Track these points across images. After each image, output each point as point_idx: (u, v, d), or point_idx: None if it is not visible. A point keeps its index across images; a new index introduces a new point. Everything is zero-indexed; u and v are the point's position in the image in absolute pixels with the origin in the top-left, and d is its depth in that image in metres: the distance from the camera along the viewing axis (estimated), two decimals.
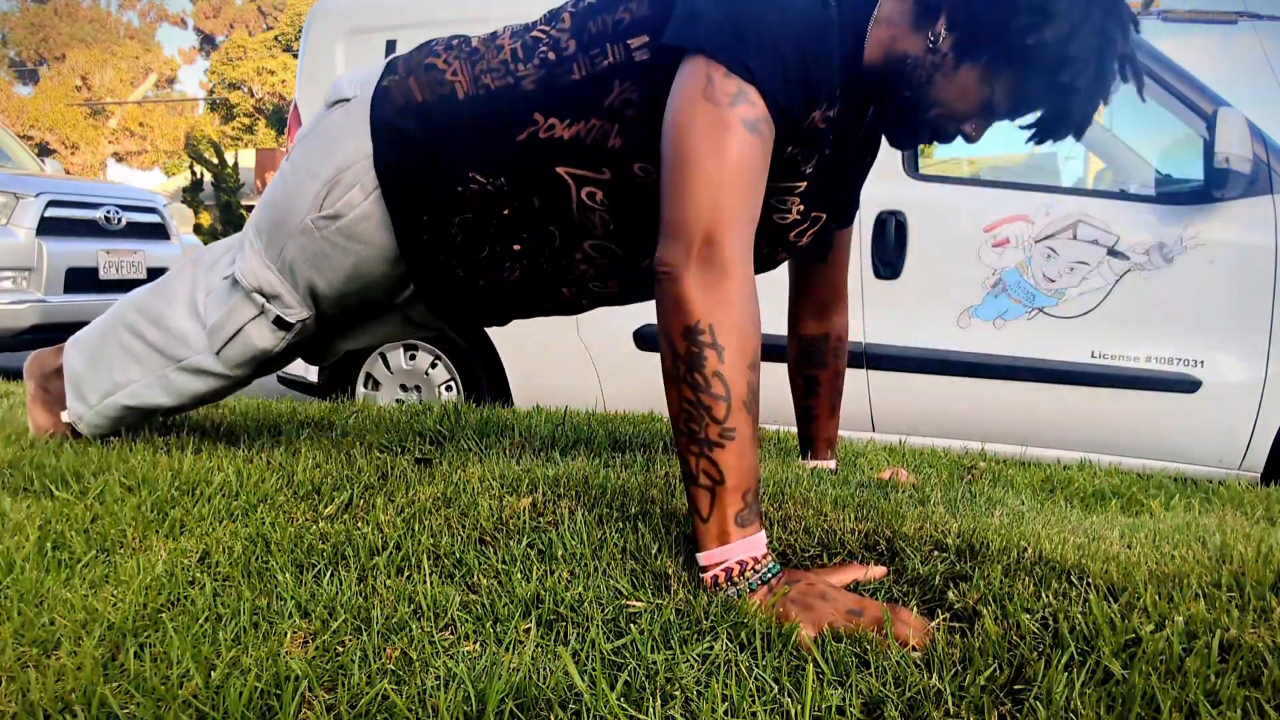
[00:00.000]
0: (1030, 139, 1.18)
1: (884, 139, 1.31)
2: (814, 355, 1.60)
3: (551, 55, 1.24)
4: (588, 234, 1.31)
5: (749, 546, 0.94)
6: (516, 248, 1.36)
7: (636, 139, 1.19)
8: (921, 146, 2.57)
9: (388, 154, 1.32)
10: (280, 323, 1.47)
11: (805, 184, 1.21)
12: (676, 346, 0.96)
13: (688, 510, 1.02)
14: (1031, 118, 1.15)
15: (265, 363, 1.58)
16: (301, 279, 1.43)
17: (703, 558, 0.95)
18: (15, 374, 3.70)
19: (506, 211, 1.31)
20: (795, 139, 1.13)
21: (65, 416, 1.65)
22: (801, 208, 1.26)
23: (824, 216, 1.33)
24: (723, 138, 1.00)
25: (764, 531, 0.97)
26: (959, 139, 1.20)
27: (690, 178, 0.99)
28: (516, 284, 1.42)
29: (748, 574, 0.92)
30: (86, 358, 1.61)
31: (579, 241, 1.33)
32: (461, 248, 1.37)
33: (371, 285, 1.45)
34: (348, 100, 1.38)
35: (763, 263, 1.34)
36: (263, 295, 1.45)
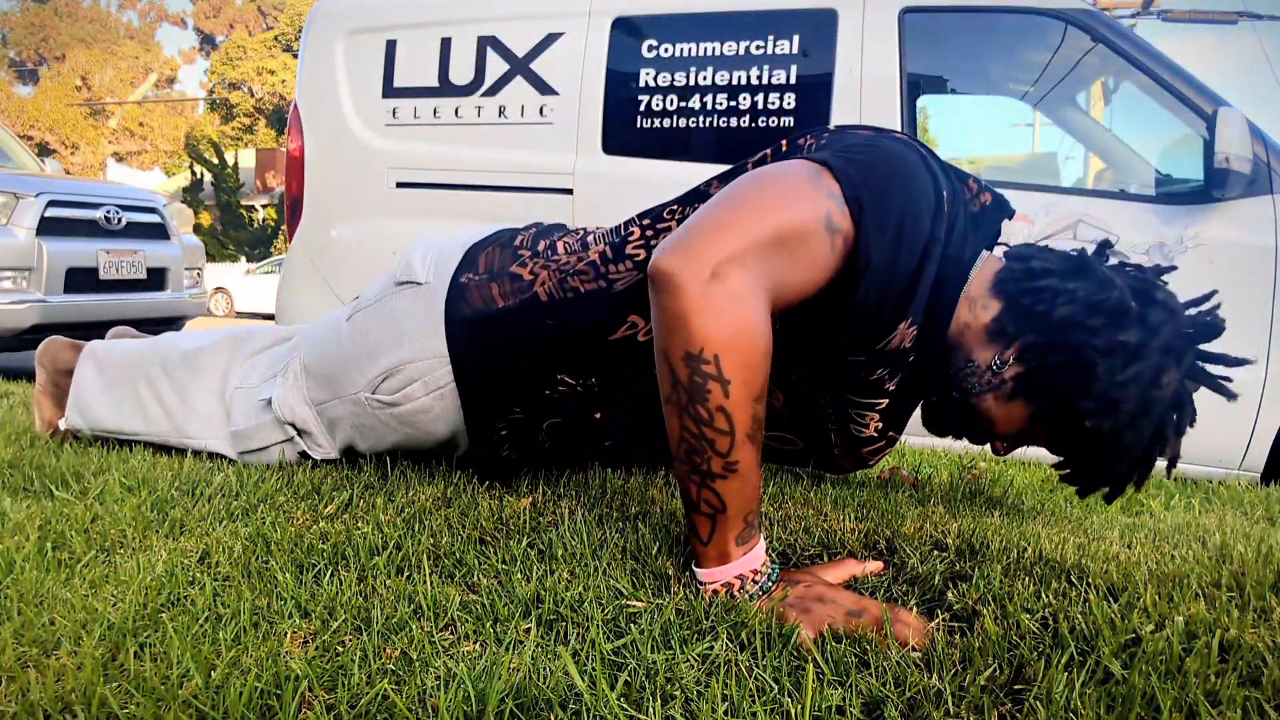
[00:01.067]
0: (1059, 478, 1.16)
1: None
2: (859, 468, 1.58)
3: (642, 255, 1.17)
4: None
5: (748, 562, 0.93)
6: (608, 444, 1.32)
7: None
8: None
9: (466, 360, 1.26)
10: (305, 455, 1.46)
11: (887, 401, 1.15)
12: (677, 372, 0.87)
13: (686, 531, 1.01)
14: (1068, 466, 1.13)
15: None
16: (341, 436, 1.41)
17: (702, 574, 0.94)
18: (15, 374, 3.70)
19: (598, 415, 1.26)
20: (883, 360, 1.06)
21: (63, 424, 1.66)
22: (879, 425, 1.19)
23: (899, 437, 1.26)
24: (800, 203, 0.93)
25: (763, 539, 0.96)
26: (986, 444, 1.17)
27: (748, 200, 0.92)
28: (603, 461, 1.41)
29: (748, 586, 0.92)
30: (102, 387, 1.61)
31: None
32: (549, 453, 1.34)
33: (415, 452, 1.42)
34: (419, 284, 1.31)
35: (832, 466, 1.28)
36: (295, 429, 1.43)
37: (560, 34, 2.97)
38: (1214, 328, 1.06)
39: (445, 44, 3.10)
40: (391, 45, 3.16)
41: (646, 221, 1.21)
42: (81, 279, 4.33)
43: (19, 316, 4.07)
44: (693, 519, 0.93)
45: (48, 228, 4.22)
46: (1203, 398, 1.09)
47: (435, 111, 3.11)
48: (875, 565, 1.03)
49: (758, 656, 0.80)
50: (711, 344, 0.85)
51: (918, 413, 1.22)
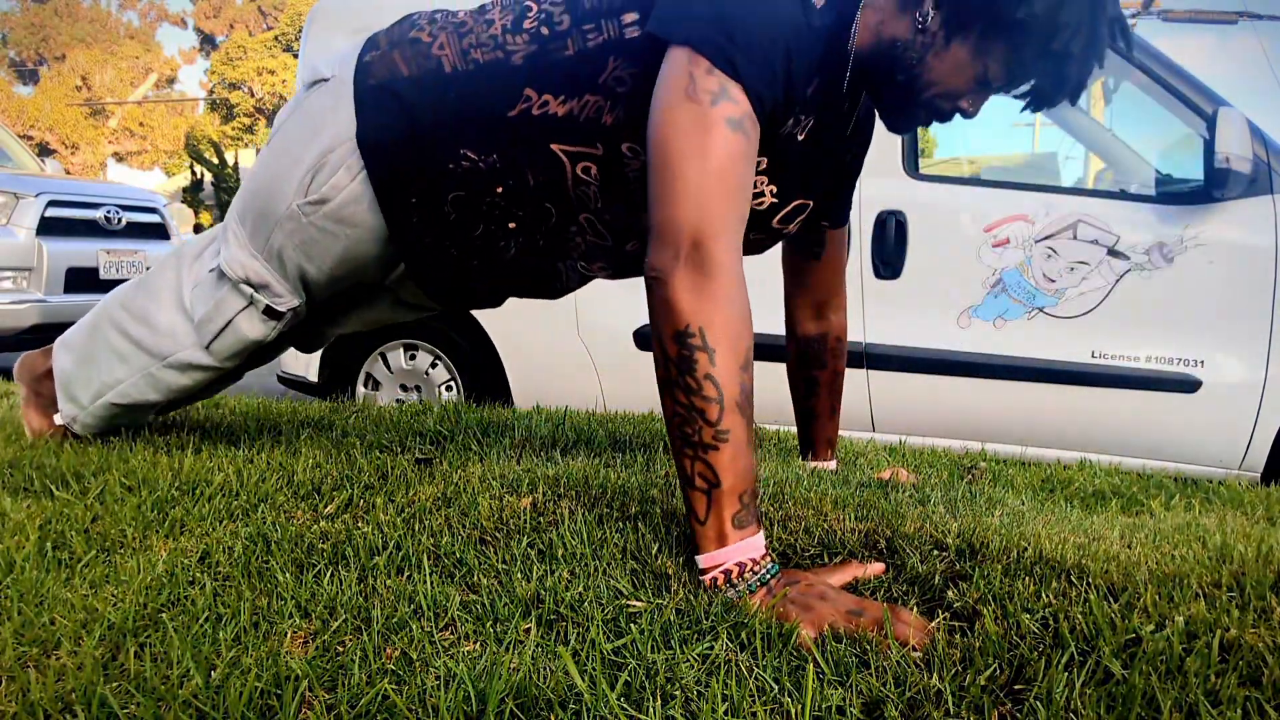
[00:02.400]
0: (1026, 107, 1.18)
1: (878, 130, 1.32)
2: (812, 356, 1.60)
3: (545, 30, 1.22)
4: (583, 208, 1.30)
5: (747, 548, 0.94)
6: (512, 225, 1.34)
7: (627, 117, 1.19)
8: (922, 147, 2.56)
9: (373, 131, 1.29)
10: (270, 312, 1.45)
11: (766, 160, 1.20)
12: (668, 350, 0.95)
13: (685, 515, 1.02)
14: (1026, 87, 1.15)
15: (257, 352, 1.57)
16: (291, 266, 1.41)
17: (701, 560, 0.94)
18: None
19: (500, 190, 1.29)
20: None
21: (58, 419, 1.64)
22: (773, 188, 1.25)
23: (809, 204, 1.32)
24: (706, 138, 0.99)
25: (763, 533, 0.97)
26: (956, 116, 1.20)
27: (675, 181, 0.98)
28: (513, 262, 1.40)
29: (747, 576, 0.92)
30: (75, 358, 1.60)
31: (574, 216, 1.32)
32: (455, 226, 1.35)
33: (363, 267, 1.43)
34: (326, 80, 1.35)
35: (750, 247, 1.33)
36: (250, 285, 1.42)
37: None
38: None
39: None
40: None
41: (546, 2, 1.25)
42: (82, 279, 4.34)
43: (19, 316, 4.07)
44: (690, 497, 0.95)
45: (48, 228, 4.22)
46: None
47: None
48: (876, 568, 1.03)
49: (758, 656, 0.80)
50: (697, 318, 0.94)
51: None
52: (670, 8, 1.07)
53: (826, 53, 1.14)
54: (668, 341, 0.95)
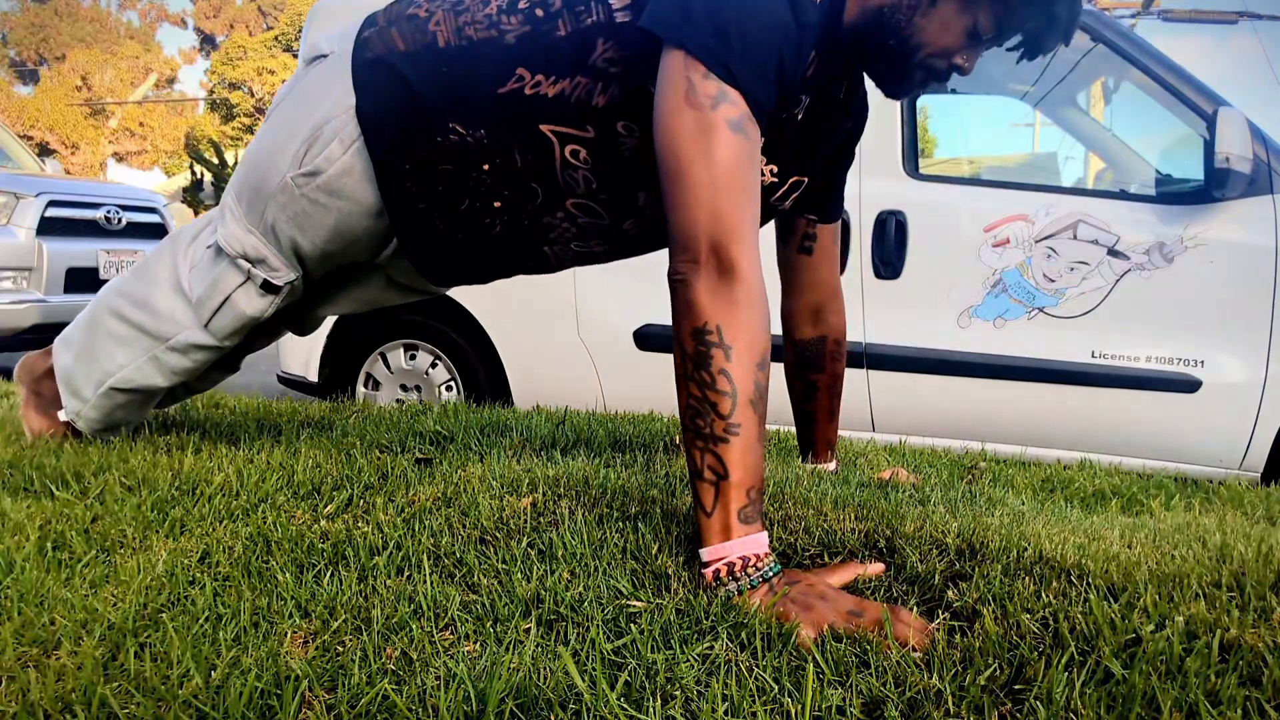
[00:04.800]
0: (1021, 57, 1.19)
1: (877, 128, 1.35)
2: (811, 359, 1.59)
3: (539, 11, 1.24)
4: (570, 192, 1.31)
5: (751, 544, 0.94)
6: (497, 204, 1.35)
7: (619, 97, 1.20)
8: (922, 147, 2.56)
9: (369, 102, 1.30)
10: (268, 286, 1.46)
11: (763, 140, 1.21)
12: (686, 346, 0.97)
13: (692, 506, 1.03)
14: (1018, 38, 1.17)
15: (254, 331, 1.58)
16: (285, 240, 1.42)
17: (705, 553, 0.95)
18: None
19: (486, 166, 1.30)
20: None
21: (62, 415, 1.64)
22: (773, 168, 1.27)
23: (805, 180, 1.34)
24: (709, 142, 1.01)
25: (766, 532, 0.97)
26: (954, 74, 1.21)
27: (687, 188, 1.00)
28: (498, 240, 1.41)
29: (749, 571, 0.92)
30: (75, 353, 1.60)
31: (561, 200, 1.32)
32: (442, 199, 1.36)
33: (354, 242, 1.44)
34: (325, 56, 1.37)
35: None
36: (247, 260, 1.44)
37: None
38: None
39: None
40: None
41: None
42: (82, 279, 4.33)
43: (19, 316, 4.07)
44: (698, 488, 0.97)
45: (48, 228, 4.22)
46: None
47: None
48: (877, 568, 1.03)
49: (758, 656, 0.80)
50: (715, 316, 0.96)
51: None
52: (664, 5, 1.08)
53: (821, 38, 1.15)
54: (686, 338, 0.98)
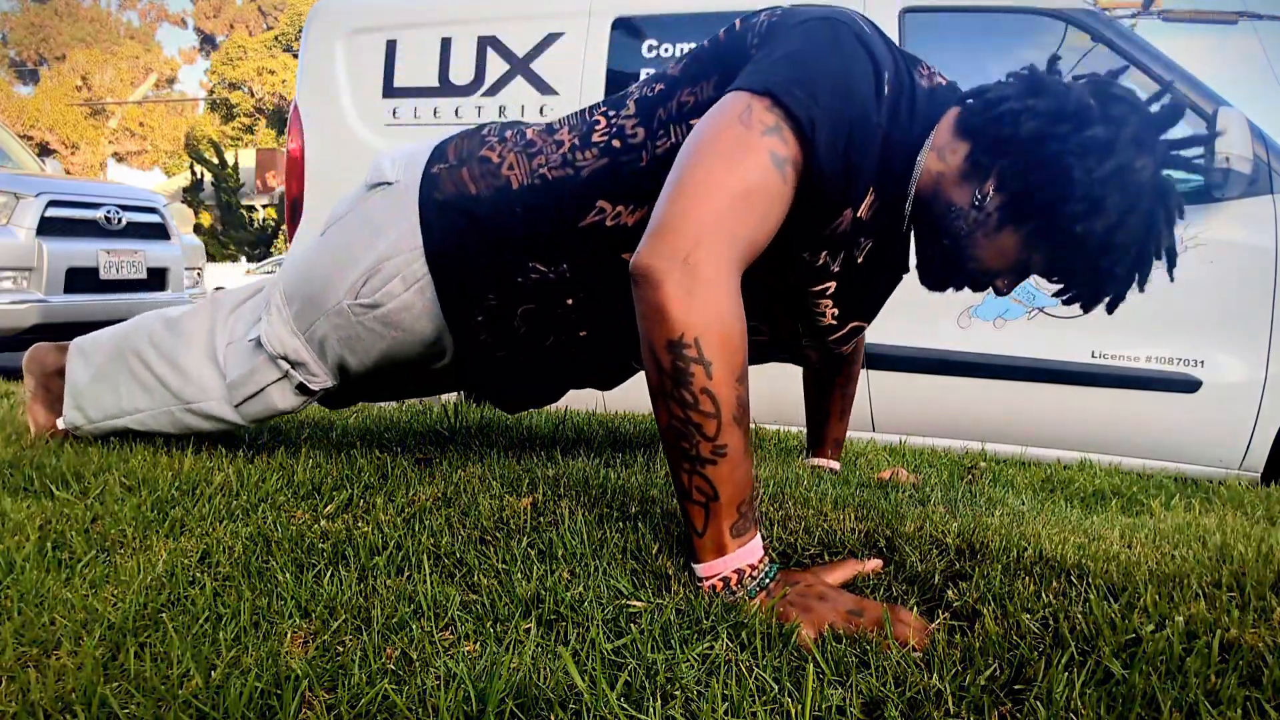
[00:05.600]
0: (1061, 300, 1.16)
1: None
2: (831, 363, 1.59)
3: (616, 143, 1.21)
4: None
5: (746, 555, 0.93)
6: (583, 334, 1.33)
7: None
8: None
9: (440, 245, 1.27)
10: (303, 389, 1.46)
11: (835, 284, 1.18)
12: (661, 361, 0.90)
13: (682, 525, 1.01)
14: (1062, 285, 1.14)
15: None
16: (331, 355, 1.41)
17: (700, 569, 0.94)
18: (15, 374, 3.70)
19: (571, 301, 1.28)
20: (827, 243, 1.09)
21: (61, 424, 1.65)
22: (835, 311, 1.22)
23: (864, 326, 1.30)
24: (744, 158, 0.95)
25: (760, 535, 0.96)
26: (990, 291, 1.19)
27: (696, 180, 0.95)
28: (585, 365, 1.41)
29: (745, 582, 0.92)
30: (91, 374, 1.60)
31: None
32: (525, 339, 1.35)
33: (405, 363, 1.42)
34: (390, 184, 1.33)
35: (800, 357, 1.32)
36: (288, 361, 1.43)
37: (560, 34, 2.97)
38: (1175, 112, 1.07)
39: (445, 44, 3.10)
40: (392, 45, 3.16)
41: (611, 111, 1.24)
42: (82, 279, 4.34)
43: (19, 316, 4.07)
44: (687, 509, 0.94)
45: (48, 228, 4.22)
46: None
47: (435, 111, 3.11)
48: (875, 564, 1.03)
49: (758, 656, 0.80)
50: (691, 329, 0.88)
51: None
52: (750, 72, 1.05)
53: (884, 168, 1.10)
54: (660, 351, 0.90)
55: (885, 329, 2.63)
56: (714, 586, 0.92)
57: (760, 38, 1.11)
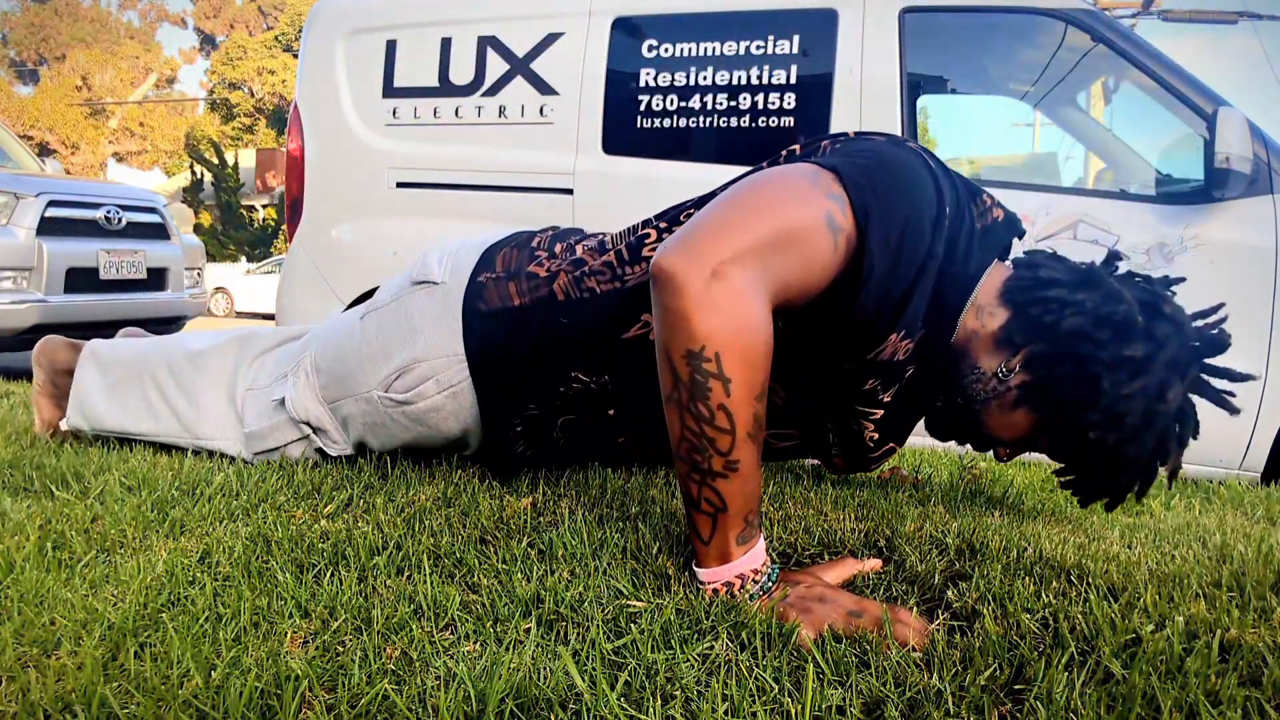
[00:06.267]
0: (1059, 481, 1.17)
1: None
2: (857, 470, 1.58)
3: None
4: None
5: (749, 561, 0.93)
6: (622, 440, 1.32)
7: None
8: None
9: (482, 353, 1.27)
10: (322, 453, 1.47)
11: (882, 413, 1.16)
12: (678, 370, 0.87)
13: (687, 528, 1.01)
14: (1068, 477, 1.14)
15: None
16: (354, 433, 1.42)
17: (703, 574, 0.94)
18: (15, 374, 3.70)
19: (612, 412, 1.27)
20: (875, 369, 1.06)
21: (64, 424, 1.65)
22: (875, 436, 1.20)
23: (897, 448, 1.28)
24: (802, 206, 0.93)
25: (762, 537, 0.97)
26: (990, 451, 1.19)
27: (747, 203, 0.93)
28: (615, 457, 1.41)
29: (748, 586, 0.92)
30: (104, 388, 1.60)
31: None
32: (564, 450, 1.35)
33: (426, 450, 1.43)
34: (435, 284, 1.32)
35: (828, 464, 1.30)
36: (310, 427, 1.44)
37: (560, 34, 2.97)
38: (1220, 343, 1.07)
39: (445, 44, 3.10)
40: (392, 45, 3.16)
41: (663, 224, 1.21)
42: (82, 279, 4.33)
43: (19, 316, 4.07)
44: (694, 517, 0.93)
45: (48, 228, 4.22)
46: (1205, 400, 1.09)
47: (435, 111, 3.11)
48: (874, 563, 1.03)
49: (758, 656, 0.80)
50: (713, 342, 0.85)
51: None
52: (817, 158, 1.03)
53: (934, 298, 1.03)
54: (677, 360, 0.87)
55: None
56: (716, 590, 0.92)
57: (831, 147, 1.09)
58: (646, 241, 1.20)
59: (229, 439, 1.50)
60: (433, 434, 1.35)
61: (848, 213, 0.95)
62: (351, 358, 1.36)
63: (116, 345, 1.66)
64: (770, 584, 0.93)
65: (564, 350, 1.23)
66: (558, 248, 1.30)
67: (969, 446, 1.19)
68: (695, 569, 0.95)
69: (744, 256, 0.88)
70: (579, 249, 1.28)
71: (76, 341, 1.70)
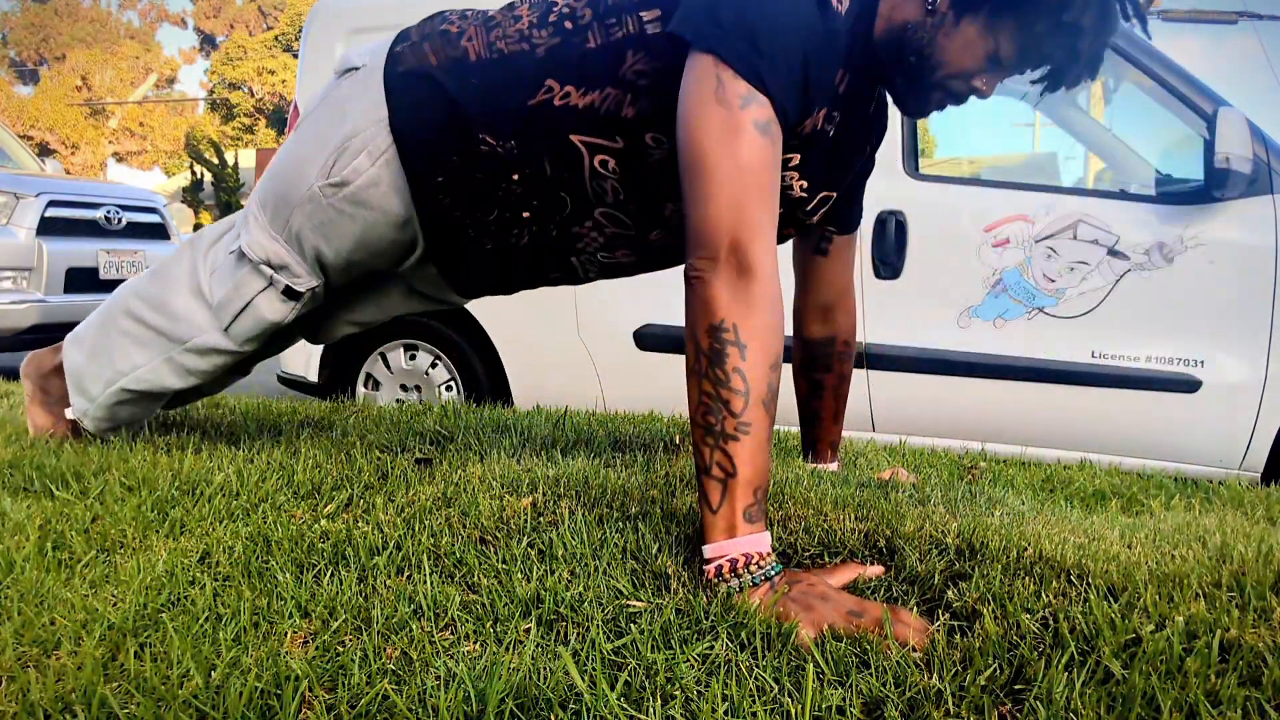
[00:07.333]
0: (1044, 90, 1.18)
1: (890, 122, 1.35)
2: (819, 358, 1.60)
3: (568, 24, 1.25)
4: (599, 202, 1.32)
5: (754, 542, 0.94)
6: (526, 214, 1.36)
7: (649, 109, 1.21)
8: (922, 147, 2.56)
9: (402, 114, 1.32)
10: (289, 292, 1.47)
11: (799, 156, 1.22)
12: (700, 343, 0.98)
13: (697, 502, 1.03)
14: (1042, 71, 1.16)
15: (272, 338, 1.59)
16: (309, 247, 1.44)
17: (708, 549, 0.95)
18: (15, 374, 3.70)
19: (516, 176, 1.32)
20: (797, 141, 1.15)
21: (69, 414, 1.64)
22: (804, 184, 1.27)
23: (834, 195, 1.35)
24: (736, 141, 1.01)
25: (769, 533, 0.97)
26: (972, 96, 1.21)
27: (710, 184, 1.01)
28: (525, 250, 1.43)
29: (751, 568, 0.93)
30: (86, 351, 1.61)
31: (590, 210, 1.34)
32: (473, 209, 1.38)
33: (379, 253, 1.46)
34: (356, 69, 1.39)
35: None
36: (270, 266, 1.45)
37: None
38: None
39: None
40: None
41: None
42: (82, 279, 4.33)
43: (19, 316, 4.07)
44: (704, 484, 0.97)
45: (48, 228, 4.22)
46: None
47: None
48: (876, 569, 1.03)
49: (758, 656, 0.80)
50: (731, 314, 0.97)
51: None
52: (694, 10, 1.09)
53: (850, 50, 1.16)
54: (701, 334, 0.98)
55: (885, 329, 2.64)
56: (720, 568, 0.93)
57: None
58: (554, 9, 1.28)
59: (206, 329, 1.51)
60: (377, 218, 1.38)
61: (758, 100, 1.03)
62: (291, 168, 1.41)
63: (86, 319, 1.67)
64: (774, 574, 0.93)
65: (473, 110, 1.29)
66: (469, 12, 1.37)
67: (950, 107, 1.23)
68: (702, 550, 0.96)
69: (743, 230, 0.99)
70: (491, 10, 1.35)
71: (56, 344, 1.70)
